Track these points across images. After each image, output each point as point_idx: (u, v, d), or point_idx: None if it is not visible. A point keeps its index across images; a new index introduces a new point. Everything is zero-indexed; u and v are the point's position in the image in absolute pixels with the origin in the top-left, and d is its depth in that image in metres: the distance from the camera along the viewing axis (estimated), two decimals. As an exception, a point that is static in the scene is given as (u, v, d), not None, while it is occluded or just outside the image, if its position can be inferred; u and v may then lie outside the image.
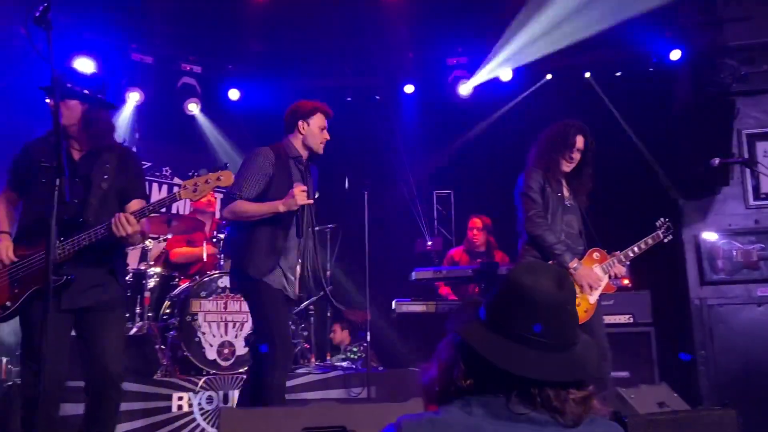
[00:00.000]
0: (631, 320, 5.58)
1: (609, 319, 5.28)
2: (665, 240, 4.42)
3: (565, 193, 4.25)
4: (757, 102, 6.14)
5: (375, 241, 5.19)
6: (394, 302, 5.97)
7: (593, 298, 4.12)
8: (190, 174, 3.39)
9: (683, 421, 1.96)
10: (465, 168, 7.42)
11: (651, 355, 5.46)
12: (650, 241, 4.36)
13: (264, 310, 3.68)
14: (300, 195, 3.64)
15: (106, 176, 3.29)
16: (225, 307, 5.23)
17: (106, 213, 3.21)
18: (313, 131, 3.90)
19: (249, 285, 3.71)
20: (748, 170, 5.94)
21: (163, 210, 7.11)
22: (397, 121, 7.08)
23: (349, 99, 7.26)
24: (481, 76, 6.96)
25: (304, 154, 3.94)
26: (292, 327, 5.93)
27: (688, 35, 6.19)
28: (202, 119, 7.28)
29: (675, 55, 6.25)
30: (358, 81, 7.11)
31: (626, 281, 5.72)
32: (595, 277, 4.13)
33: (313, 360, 5.99)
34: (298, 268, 3.91)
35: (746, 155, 5.95)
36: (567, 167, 4.22)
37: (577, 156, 4.20)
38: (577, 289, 4.06)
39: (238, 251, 3.79)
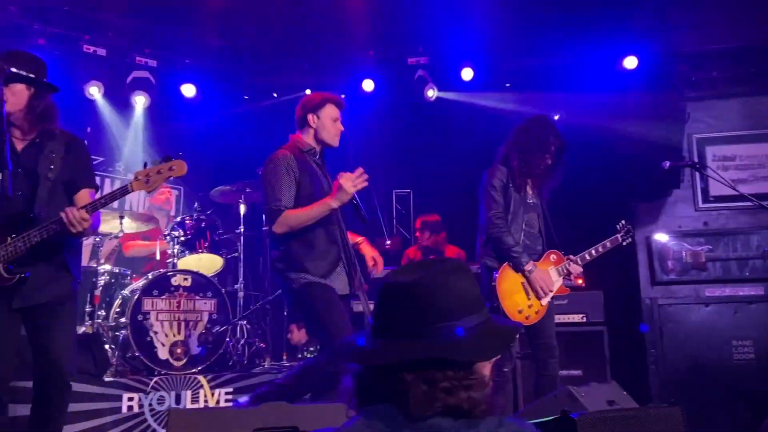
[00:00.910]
0: (584, 320, 5.66)
1: (563, 318, 5.43)
2: (624, 243, 4.47)
3: (529, 191, 4.27)
4: (706, 107, 6.31)
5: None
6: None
7: (545, 300, 4.15)
8: (145, 164, 3.28)
9: (631, 419, 1.99)
10: (425, 167, 7.43)
11: (603, 353, 5.54)
12: (609, 244, 4.41)
13: (322, 317, 3.53)
14: (348, 183, 3.45)
15: (52, 166, 3.16)
16: (178, 306, 5.15)
17: (56, 205, 3.10)
18: (325, 123, 3.78)
19: (306, 290, 3.55)
20: (697, 173, 6.08)
21: (116, 206, 7.01)
22: (357, 119, 7.05)
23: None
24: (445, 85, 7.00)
25: (318, 147, 3.82)
26: (248, 326, 5.92)
27: (642, 41, 6.28)
28: (144, 114, 7.10)
29: (631, 62, 6.37)
30: (318, 78, 7.06)
31: (580, 281, 5.71)
32: (549, 280, 4.15)
33: (268, 360, 5.93)
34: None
35: (696, 159, 6.12)
36: (539, 169, 4.23)
37: (551, 160, 4.23)
38: (531, 291, 4.10)
39: (293, 260, 3.61)
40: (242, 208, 6.21)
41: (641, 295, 6.06)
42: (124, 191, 3.23)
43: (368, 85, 6.99)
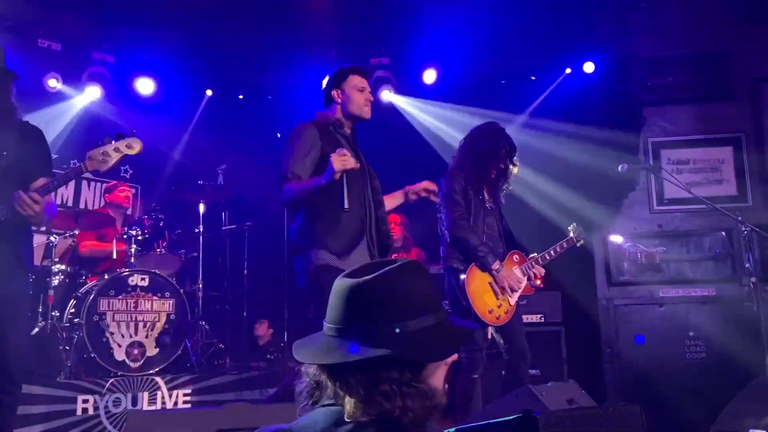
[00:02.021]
0: (543, 320, 5.74)
1: (523, 318, 5.40)
2: (578, 244, 4.56)
3: (486, 195, 4.32)
4: (662, 111, 6.39)
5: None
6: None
7: (514, 299, 4.20)
8: (97, 143, 3.16)
9: (592, 417, 2.03)
10: (384, 171, 7.33)
11: (561, 353, 5.63)
12: (565, 245, 4.49)
13: None
14: (337, 160, 3.16)
15: (5, 152, 3.06)
16: (135, 306, 5.07)
17: (8, 192, 2.99)
18: (350, 95, 3.53)
19: (320, 276, 3.22)
20: (653, 176, 6.17)
21: (71, 204, 6.87)
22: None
23: (270, 97, 7.19)
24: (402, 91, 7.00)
25: (347, 122, 3.56)
26: (207, 327, 5.87)
27: (600, 46, 6.38)
28: (101, 108, 6.96)
29: (589, 67, 6.45)
30: (279, 76, 7.01)
31: (539, 282, 5.80)
32: (516, 278, 4.21)
33: (228, 361, 5.88)
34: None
35: (651, 162, 6.22)
36: (493, 174, 4.29)
37: (503, 164, 4.28)
38: (499, 291, 4.14)
39: (309, 235, 3.33)
40: (202, 208, 6.15)
41: (598, 296, 6.13)
42: (78, 171, 3.14)
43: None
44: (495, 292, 4.12)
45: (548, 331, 5.70)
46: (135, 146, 3.14)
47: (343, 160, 3.17)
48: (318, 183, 3.24)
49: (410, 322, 1.34)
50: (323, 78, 6.77)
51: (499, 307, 4.12)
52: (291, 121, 3.78)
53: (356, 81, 3.55)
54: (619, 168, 4.80)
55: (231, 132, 7.17)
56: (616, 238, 6.22)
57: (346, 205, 3.17)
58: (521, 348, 4.15)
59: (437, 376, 1.39)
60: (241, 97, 7.20)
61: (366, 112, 3.53)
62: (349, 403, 1.32)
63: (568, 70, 6.68)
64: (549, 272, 5.53)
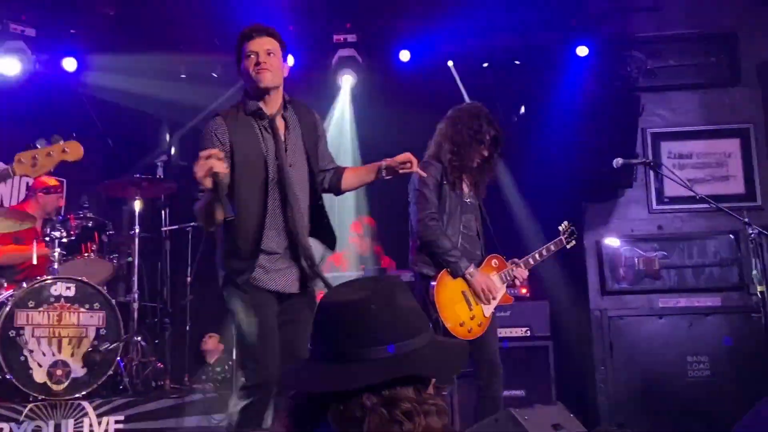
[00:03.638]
0: (528, 333, 5.74)
1: (504, 332, 5.43)
2: (568, 246, 4.56)
3: (465, 188, 4.30)
4: (663, 99, 6.46)
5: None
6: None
7: (489, 310, 4.19)
8: (29, 145, 3.16)
9: (577, 446, 2.05)
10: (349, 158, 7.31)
11: (548, 371, 5.64)
12: (552, 248, 4.48)
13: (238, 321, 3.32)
14: (197, 167, 3.05)
15: None
16: (59, 320, 5.00)
17: None
18: (242, 67, 3.41)
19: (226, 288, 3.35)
20: (652, 172, 6.22)
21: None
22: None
23: (214, 74, 7.15)
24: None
25: (264, 105, 3.41)
26: (143, 343, 5.83)
27: (594, 25, 6.42)
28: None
29: (582, 51, 6.49)
30: (229, 55, 6.97)
31: (524, 290, 5.88)
32: (492, 284, 4.20)
33: (167, 382, 5.83)
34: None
35: (650, 156, 6.30)
36: (476, 163, 4.28)
37: (487, 151, 4.27)
38: (473, 300, 4.14)
39: (220, 252, 3.41)
40: (137, 205, 6.06)
41: (590, 306, 6.22)
42: (4, 176, 3.10)
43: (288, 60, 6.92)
44: (468, 302, 4.12)
45: (534, 347, 5.72)
46: (75, 152, 3.10)
47: (202, 166, 3.04)
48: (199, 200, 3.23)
49: (416, 340, 1.46)
50: (283, 58, 6.83)
51: (471, 319, 4.10)
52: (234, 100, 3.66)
53: (243, 49, 3.43)
54: (614, 163, 4.80)
55: (171, 116, 7.11)
56: (611, 242, 6.29)
57: (229, 214, 3.05)
58: (492, 362, 4.15)
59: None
60: (183, 76, 7.13)
61: (260, 81, 3.35)
62: (370, 424, 1.38)
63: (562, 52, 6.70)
64: (536, 279, 5.83)
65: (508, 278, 4.30)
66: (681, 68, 6.43)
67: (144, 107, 7.22)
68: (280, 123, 3.45)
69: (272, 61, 3.39)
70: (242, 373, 3.32)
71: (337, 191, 3.69)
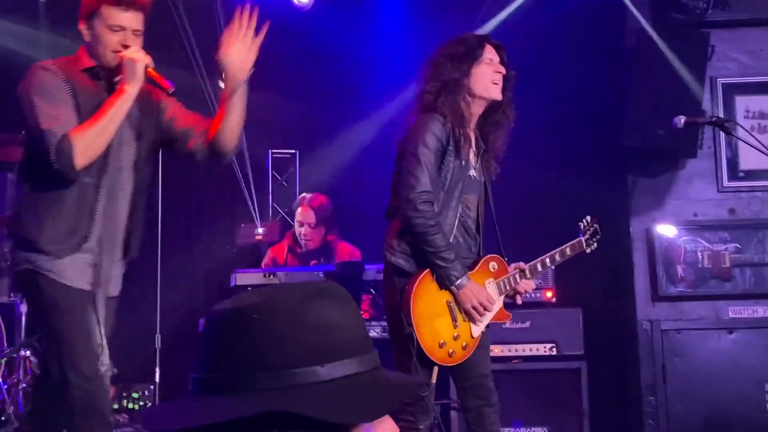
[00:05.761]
0: (555, 351, 5.74)
1: (521, 349, 5.64)
2: (588, 251, 4.44)
3: (471, 157, 4.14)
4: (738, 38, 6.32)
5: (175, 233, 5.26)
6: (202, 321, 5.92)
7: (478, 329, 4.05)
8: None
9: None
10: (317, 119, 7.52)
11: (581, 401, 5.64)
12: (569, 252, 4.37)
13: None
14: (134, 52, 3.47)
15: None
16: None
17: None
18: (98, 35, 3.61)
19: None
20: (723, 136, 6.07)
21: None
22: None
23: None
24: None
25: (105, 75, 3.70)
26: (33, 359, 5.82)
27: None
28: None
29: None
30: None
31: (549, 293, 5.89)
32: (486, 297, 4.04)
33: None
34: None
35: (721, 114, 6.04)
36: (486, 117, 4.14)
37: (498, 80, 4.06)
38: (460, 316, 4.01)
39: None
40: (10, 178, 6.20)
41: (637, 317, 6.12)
42: None
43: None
44: (453, 317, 3.99)
45: (562, 369, 5.75)
46: None
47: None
48: (127, 94, 3.50)
49: (323, 367, 1.39)
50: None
51: (455, 339, 3.99)
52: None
53: (110, 18, 3.59)
54: (674, 121, 4.60)
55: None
56: (665, 230, 6.17)
57: (168, 92, 3.54)
58: (482, 386, 4.07)
59: None
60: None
61: (114, 63, 3.60)
62: None
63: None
64: (565, 279, 5.96)
65: (508, 289, 4.19)
66: (764, -2, 6.43)
67: None
68: None
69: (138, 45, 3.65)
70: None
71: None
